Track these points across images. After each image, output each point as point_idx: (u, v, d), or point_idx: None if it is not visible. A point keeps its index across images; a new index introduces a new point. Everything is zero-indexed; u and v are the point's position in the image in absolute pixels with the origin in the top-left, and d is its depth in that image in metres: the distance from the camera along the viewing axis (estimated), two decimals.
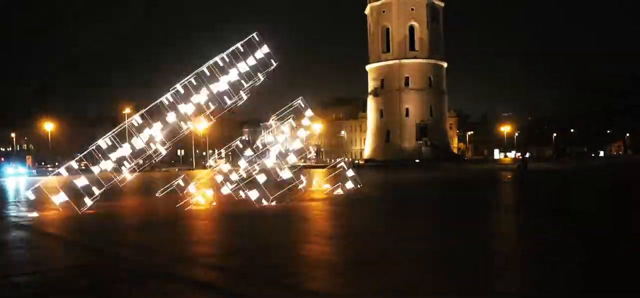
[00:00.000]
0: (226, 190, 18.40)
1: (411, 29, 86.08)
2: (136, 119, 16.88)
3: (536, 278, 7.04)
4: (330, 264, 8.31)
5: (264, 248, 9.64)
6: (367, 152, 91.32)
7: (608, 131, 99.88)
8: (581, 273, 7.35)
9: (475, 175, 37.75)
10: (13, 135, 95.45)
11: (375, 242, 10.33)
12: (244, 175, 19.23)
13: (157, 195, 20.70)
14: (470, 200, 19.72)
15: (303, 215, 14.87)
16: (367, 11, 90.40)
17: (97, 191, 16.19)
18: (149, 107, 17.06)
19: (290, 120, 20.07)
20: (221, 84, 16.70)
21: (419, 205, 18.38)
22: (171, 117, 16.82)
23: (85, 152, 16.97)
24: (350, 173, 21.14)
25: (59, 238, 11.84)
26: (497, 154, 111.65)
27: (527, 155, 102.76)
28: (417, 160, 74.92)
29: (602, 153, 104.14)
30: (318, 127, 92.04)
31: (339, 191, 20.82)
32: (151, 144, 17.31)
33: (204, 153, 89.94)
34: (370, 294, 6.42)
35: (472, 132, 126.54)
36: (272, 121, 20.35)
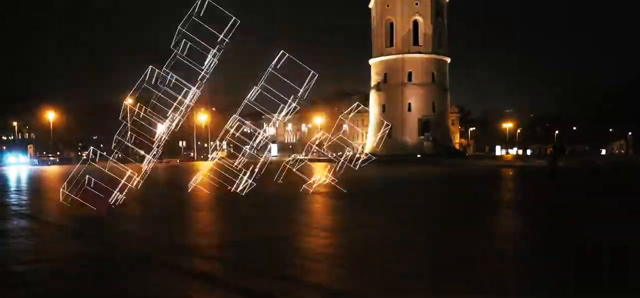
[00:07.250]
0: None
1: (415, 23, 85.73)
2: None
3: None
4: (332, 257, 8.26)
5: (263, 240, 9.60)
6: (369, 147, 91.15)
7: (610, 129, 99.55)
8: None
9: (484, 171, 37.61)
10: (15, 124, 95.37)
11: (377, 236, 10.28)
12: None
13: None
14: (481, 195, 19.66)
15: (302, 207, 14.81)
16: (371, 5, 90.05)
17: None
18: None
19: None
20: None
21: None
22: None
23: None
24: None
25: (59, 227, 11.82)
26: (498, 151, 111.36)
27: (531, 150, 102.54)
28: (418, 156, 74.76)
29: (604, 152, 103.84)
30: (320, 120, 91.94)
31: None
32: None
33: (206, 145, 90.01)
34: (373, 286, 6.37)
35: (473, 129, 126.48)
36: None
